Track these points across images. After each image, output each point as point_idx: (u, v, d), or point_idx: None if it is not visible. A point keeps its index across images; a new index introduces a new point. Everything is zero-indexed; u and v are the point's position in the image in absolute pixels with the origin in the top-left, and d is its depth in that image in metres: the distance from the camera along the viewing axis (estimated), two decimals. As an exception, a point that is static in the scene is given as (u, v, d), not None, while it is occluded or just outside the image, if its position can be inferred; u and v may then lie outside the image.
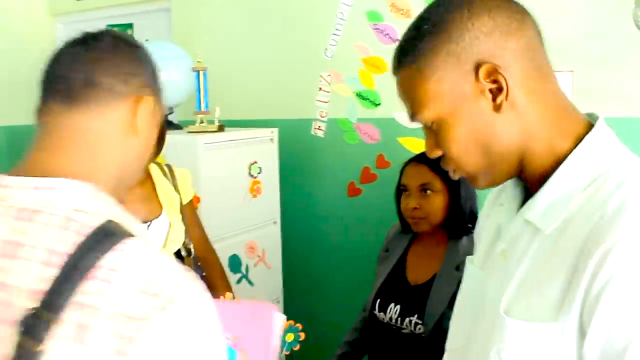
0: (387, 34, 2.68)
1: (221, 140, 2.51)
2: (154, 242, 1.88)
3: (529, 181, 0.90)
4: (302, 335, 1.81)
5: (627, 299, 0.71)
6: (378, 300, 1.87)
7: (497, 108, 0.84)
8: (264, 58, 3.04)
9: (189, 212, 2.09)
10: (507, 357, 0.82)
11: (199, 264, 2.09)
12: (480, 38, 0.82)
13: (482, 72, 0.83)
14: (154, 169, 2.01)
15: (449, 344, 1.05)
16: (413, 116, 0.90)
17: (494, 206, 1.04)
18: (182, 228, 2.00)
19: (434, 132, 0.89)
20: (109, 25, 3.60)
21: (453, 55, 0.83)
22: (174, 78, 2.77)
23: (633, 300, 0.71)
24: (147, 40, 3.32)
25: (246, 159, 2.63)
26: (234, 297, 2.12)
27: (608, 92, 2.33)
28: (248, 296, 2.63)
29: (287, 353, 1.79)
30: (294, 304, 2.97)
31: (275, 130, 2.78)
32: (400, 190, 1.88)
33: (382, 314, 1.85)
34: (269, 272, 2.80)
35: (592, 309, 0.73)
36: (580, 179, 0.82)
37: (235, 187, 2.59)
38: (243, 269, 2.65)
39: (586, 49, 2.34)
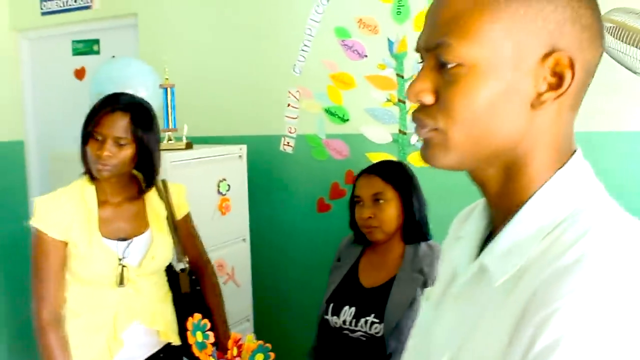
0: (355, 50, 2.69)
1: (189, 157, 2.49)
2: (132, 259, 1.90)
3: (498, 212, 0.77)
4: (272, 355, 1.80)
5: None
6: (331, 305, 1.91)
7: (538, 103, 0.70)
8: (233, 74, 3.02)
9: (184, 227, 2.11)
10: None
11: (194, 277, 2.10)
12: (576, 28, 0.70)
13: (556, 57, 0.69)
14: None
15: None
16: (440, 45, 0.71)
17: (454, 239, 0.90)
18: (169, 246, 2.00)
19: (446, 75, 0.72)
20: (74, 41, 3.56)
21: (543, 19, 0.69)
22: (141, 95, 2.74)
23: None
24: (113, 56, 3.30)
25: (215, 176, 2.61)
26: (226, 322, 2.10)
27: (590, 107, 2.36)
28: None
29: (257, 373, 1.77)
30: (264, 322, 2.95)
31: (244, 147, 2.77)
32: (354, 201, 1.93)
33: (334, 317, 1.89)
34: (238, 290, 2.77)
35: None
36: (545, 220, 0.71)
37: (204, 205, 2.56)
38: (212, 287, 2.61)
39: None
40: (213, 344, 1.74)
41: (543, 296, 0.62)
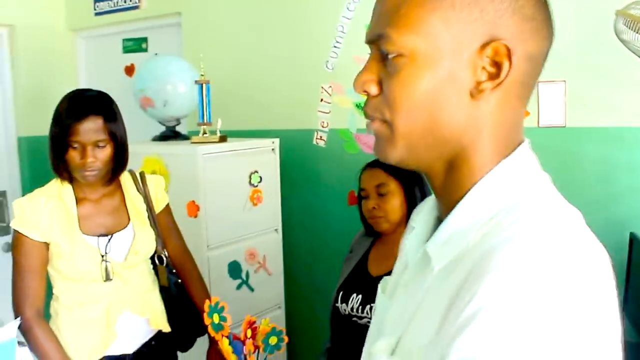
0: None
1: (221, 150, 2.60)
2: (115, 254, 1.91)
3: (444, 203, 0.78)
4: (286, 339, 1.88)
5: (490, 331, 0.59)
6: (341, 293, 1.97)
7: (477, 92, 0.70)
8: (268, 70, 3.12)
9: (164, 220, 2.10)
10: None
11: (173, 271, 2.12)
12: (515, 18, 0.69)
13: (494, 47, 0.69)
14: (126, 179, 2.04)
15: None
16: (381, 37, 0.72)
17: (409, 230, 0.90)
18: (151, 238, 2.02)
19: (388, 66, 0.72)
20: (124, 40, 3.75)
21: (481, 10, 0.69)
22: (180, 90, 2.88)
23: (495, 333, 0.58)
24: (156, 54, 3.46)
25: (247, 168, 2.72)
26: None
27: (600, 102, 2.36)
28: (248, 301, 2.71)
29: (271, 355, 1.86)
30: (296, 310, 3.04)
31: (277, 141, 2.86)
32: (361, 196, 1.99)
33: (344, 305, 1.95)
34: (270, 279, 2.88)
35: (454, 337, 0.61)
36: (484, 211, 0.71)
37: (236, 195, 2.67)
38: (243, 274, 2.73)
39: (579, 59, 2.37)
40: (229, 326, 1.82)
41: (474, 274, 0.63)
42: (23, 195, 3.60)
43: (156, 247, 2.05)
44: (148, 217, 2.04)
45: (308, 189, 3.07)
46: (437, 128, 0.71)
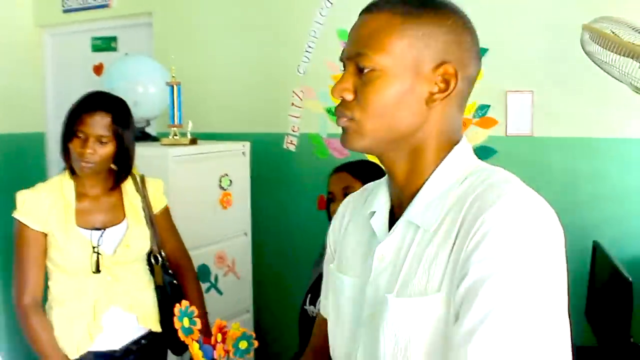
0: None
1: (191, 153, 2.59)
2: (106, 247, 1.99)
3: (408, 184, 0.97)
4: (256, 343, 1.88)
5: (495, 245, 0.81)
6: (309, 295, 1.99)
7: (430, 101, 0.92)
8: (240, 73, 3.12)
9: (162, 220, 2.17)
10: (401, 334, 0.90)
11: (169, 271, 2.17)
12: (459, 48, 0.92)
13: (445, 68, 0.91)
14: (127, 180, 2.10)
15: (333, 354, 1.08)
16: (359, 55, 0.92)
17: (358, 217, 1.09)
18: (145, 236, 2.08)
19: (363, 77, 0.92)
20: (93, 38, 3.70)
21: (435, 40, 0.91)
22: (151, 91, 2.86)
23: (500, 245, 0.81)
24: (126, 54, 3.42)
25: (217, 171, 2.71)
26: (206, 313, 2.19)
27: (566, 112, 2.42)
28: (217, 305, 2.70)
29: (240, 360, 1.86)
30: (265, 314, 3.04)
31: (247, 144, 2.86)
32: (329, 199, 2.01)
33: (312, 307, 1.96)
34: (238, 282, 2.87)
35: (466, 261, 0.83)
36: (452, 179, 0.93)
37: (205, 198, 2.66)
38: (212, 278, 2.72)
39: (546, 70, 2.43)
40: (200, 331, 1.82)
41: (473, 214, 0.85)
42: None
43: (152, 246, 2.11)
44: (145, 216, 2.10)
45: (279, 193, 3.08)
46: (399, 126, 0.93)
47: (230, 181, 2.76)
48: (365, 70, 0.92)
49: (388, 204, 1.02)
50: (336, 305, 1.08)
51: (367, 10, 0.95)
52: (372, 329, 0.95)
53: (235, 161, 2.82)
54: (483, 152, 2.54)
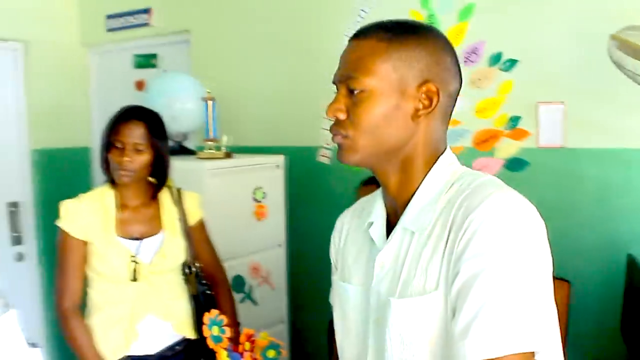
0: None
1: (226, 166, 2.66)
2: (143, 256, 2.09)
3: (401, 195, 1.05)
4: (283, 352, 1.92)
5: (483, 242, 0.89)
6: None
7: (416, 117, 1.01)
8: (275, 88, 3.19)
9: (198, 232, 2.26)
10: (406, 333, 0.96)
11: (203, 281, 2.24)
12: (439, 68, 1.02)
13: (427, 86, 1.00)
14: (163, 192, 2.20)
15: (344, 355, 1.15)
16: (349, 78, 1.01)
17: (358, 229, 1.17)
18: (180, 247, 2.17)
19: (354, 98, 1.01)
20: (135, 55, 3.83)
21: (418, 61, 1.00)
22: (188, 106, 2.96)
23: (488, 242, 0.88)
24: (164, 71, 3.53)
25: (251, 184, 2.77)
26: (239, 323, 2.25)
27: (598, 123, 2.39)
28: (252, 315, 2.75)
29: (268, 369, 1.90)
30: (301, 325, 3.08)
31: (282, 157, 2.92)
32: None
33: None
34: (273, 293, 2.92)
35: (458, 260, 0.90)
36: (442, 183, 1.02)
37: (240, 210, 2.72)
38: (247, 288, 2.78)
39: (577, 81, 2.41)
40: (229, 339, 1.87)
41: (461, 216, 0.93)
42: (38, 205, 3.72)
43: (187, 257, 2.19)
44: (181, 228, 2.18)
45: (313, 205, 3.12)
46: (388, 140, 1.02)
47: (265, 194, 2.82)
48: (356, 92, 1.00)
49: (384, 214, 1.09)
50: (343, 314, 1.14)
51: (356, 36, 1.04)
52: (379, 333, 1.01)
53: (270, 174, 2.88)
54: (515, 164, 2.53)
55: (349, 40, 1.05)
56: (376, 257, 1.05)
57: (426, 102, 1.01)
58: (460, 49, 2.61)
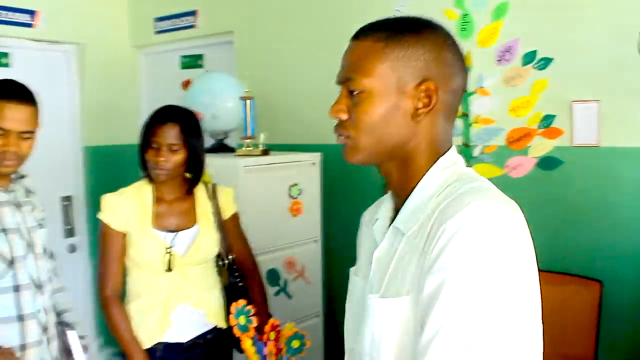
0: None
1: (261, 163, 2.74)
2: (178, 248, 2.19)
3: (399, 195, 1.05)
4: (308, 343, 1.98)
5: (452, 256, 0.87)
6: None
7: (415, 116, 1.00)
8: (314, 87, 3.25)
9: (231, 226, 2.35)
10: (377, 333, 0.98)
11: (236, 274, 2.33)
12: (439, 65, 1.00)
13: (426, 85, 0.99)
14: (199, 188, 2.29)
15: (346, 345, 1.18)
16: (349, 79, 1.02)
17: (369, 224, 1.17)
18: (214, 240, 2.26)
19: (354, 99, 1.02)
20: (182, 56, 3.97)
21: (416, 60, 0.99)
22: (228, 105, 3.05)
23: (456, 256, 0.86)
24: (207, 71, 3.65)
25: (287, 181, 2.85)
26: (270, 314, 2.33)
27: (633, 122, 2.36)
28: (286, 308, 2.83)
29: (294, 359, 1.96)
30: (335, 319, 3.13)
31: (318, 155, 2.98)
32: None
33: None
34: (308, 287, 2.99)
35: (428, 270, 0.89)
36: (435, 186, 1.00)
37: (275, 206, 2.80)
38: (281, 282, 2.85)
39: (611, 79, 2.38)
40: (255, 328, 1.94)
41: (436, 223, 0.92)
42: (87, 199, 3.89)
43: (220, 250, 2.28)
44: (215, 222, 2.27)
45: (349, 201, 3.17)
46: (389, 140, 1.02)
47: (300, 190, 2.89)
48: (355, 92, 1.01)
49: (390, 212, 1.10)
50: (350, 305, 1.17)
51: (355, 36, 1.05)
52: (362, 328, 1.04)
53: (306, 171, 2.94)
54: (549, 163, 2.52)
55: (350, 40, 1.06)
56: (373, 253, 1.07)
57: (425, 101, 1.00)
58: (494, 48, 2.61)
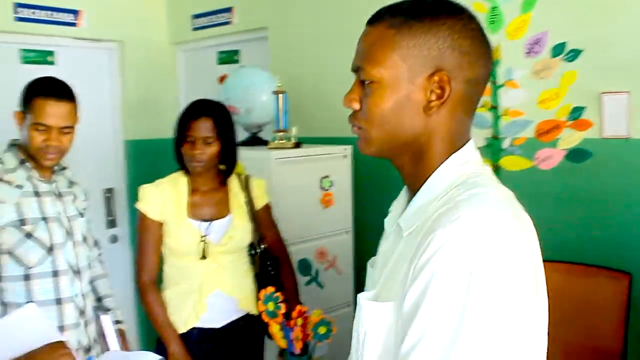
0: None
1: (293, 155, 2.81)
2: (213, 237, 2.27)
3: (412, 187, 1.01)
4: (334, 329, 2.04)
5: (433, 272, 0.83)
6: None
7: (428, 109, 0.95)
8: (344, 80, 3.29)
9: (264, 216, 2.44)
10: (362, 332, 0.96)
11: (268, 262, 2.41)
12: (455, 53, 0.93)
13: (439, 75, 0.93)
14: (232, 178, 2.38)
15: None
16: (359, 68, 0.98)
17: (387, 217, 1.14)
18: (247, 229, 2.35)
19: (365, 89, 0.97)
20: (219, 52, 4.06)
21: (428, 48, 0.93)
22: (262, 99, 3.13)
23: (438, 272, 0.82)
24: (242, 66, 3.73)
25: (318, 173, 2.91)
26: (300, 302, 2.39)
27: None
28: (318, 297, 2.90)
29: (320, 344, 2.03)
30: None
31: (349, 147, 3.03)
32: None
33: None
34: (339, 278, 3.05)
35: (412, 281, 0.85)
36: (441, 188, 0.95)
37: (307, 198, 2.87)
38: (313, 272, 2.92)
39: (643, 71, 2.37)
40: (283, 314, 2.02)
41: (427, 232, 0.87)
42: (127, 191, 4.03)
43: (253, 239, 2.36)
44: (248, 212, 2.35)
45: (381, 193, 3.21)
46: (400, 133, 0.97)
47: (332, 182, 2.95)
48: (366, 82, 0.97)
49: (403, 205, 1.06)
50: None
51: (369, 22, 1.01)
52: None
53: (337, 163, 3.00)
54: (578, 155, 2.52)
55: (365, 25, 1.01)
56: (381, 247, 1.07)
57: (438, 92, 0.94)
58: (523, 41, 2.62)
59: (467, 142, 1.00)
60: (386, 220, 1.11)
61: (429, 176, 0.97)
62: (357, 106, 1.00)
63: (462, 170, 0.97)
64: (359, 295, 0.99)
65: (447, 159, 0.97)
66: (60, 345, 1.54)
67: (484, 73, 0.98)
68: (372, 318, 0.94)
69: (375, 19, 0.99)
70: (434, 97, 0.95)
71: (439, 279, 0.82)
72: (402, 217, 1.00)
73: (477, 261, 0.81)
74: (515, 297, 0.82)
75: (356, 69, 1.00)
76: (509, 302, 0.81)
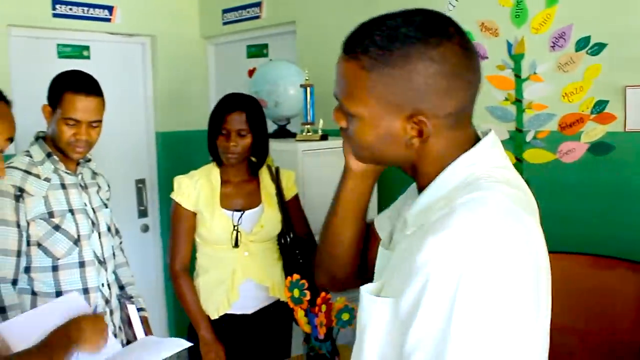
0: (478, 52, 2.87)
1: (320, 147, 2.88)
2: (244, 226, 2.35)
3: (418, 185, 1.06)
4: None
5: (427, 276, 0.83)
6: None
7: (410, 145, 0.96)
8: (371, 74, 3.34)
9: (292, 206, 2.52)
10: (362, 325, 0.97)
11: (297, 251, 2.48)
12: (431, 94, 0.91)
13: (416, 119, 0.93)
14: (263, 170, 2.46)
15: None
16: (338, 100, 1.00)
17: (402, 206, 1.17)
18: (277, 219, 2.43)
19: (348, 116, 0.99)
20: (248, 46, 4.15)
21: (404, 92, 0.91)
22: (290, 93, 3.20)
23: (433, 279, 0.83)
24: (270, 60, 3.80)
25: (343, 164, 2.95)
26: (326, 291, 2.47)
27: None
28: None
29: (343, 330, 2.10)
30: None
31: (375, 140, 3.08)
32: None
33: None
34: (364, 267, 3.10)
35: (410, 280, 0.86)
36: (447, 188, 0.96)
37: (333, 189, 2.90)
38: (338, 261, 2.98)
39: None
40: (308, 301, 2.09)
41: (426, 233, 0.88)
42: (159, 182, 4.15)
43: (283, 228, 2.44)
44: (278, 202, 2.44)
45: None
46: (388, 158, 1.02)
47: (356, 174, 3.00)
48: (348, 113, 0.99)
49: (414, 197, 1.05)
50: None
51: (344, 49, 1.00)
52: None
53: (362, 156, 3.05)
54: (601, 148, 2.54)
55: (341, 50, 1.01)
56: (396, 235, 1.09)
57: (419, 129, 0.94)
58: (547, 34, 2.64)
59: (476, 142, 0.99)
60: (390, 208, 1.19)
61: (431, 181, 0.99)
62: (344, 124, 1.03)
63: (470, 171, 0.95)
64: (362, 288, 0.99)
65: (450, 162, 0.97)
66: (101, 318, 1.65)
67: (470, 94, 0.97)
68: (370, 312, 0.95)
69: (349, 51, 0.97)
70: (414, 133, 0.95)
71: (432, 282, 0.83)
72: (408, 212, 1.01)
73: (467, 266, 0.82)
74: (507, 303, 0.82)
75: (336, 98, 1.02)
76: (499, 307, 0.82)
